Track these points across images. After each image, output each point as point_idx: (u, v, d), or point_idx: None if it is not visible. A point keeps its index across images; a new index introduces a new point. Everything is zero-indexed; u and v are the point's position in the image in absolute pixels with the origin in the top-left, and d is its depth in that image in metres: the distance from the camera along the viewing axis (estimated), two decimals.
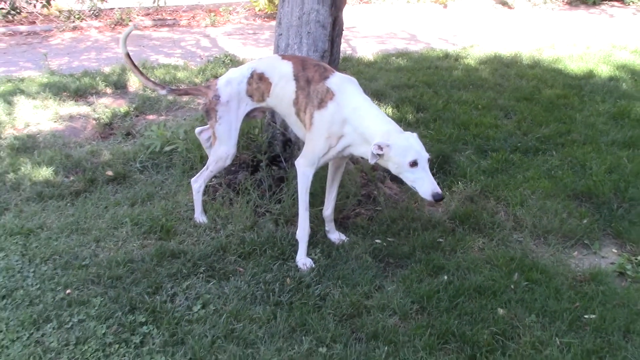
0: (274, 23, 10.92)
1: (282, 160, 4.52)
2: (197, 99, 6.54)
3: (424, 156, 3.32)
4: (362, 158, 4.59)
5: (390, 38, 9.85)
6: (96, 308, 3.36)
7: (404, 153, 3.29)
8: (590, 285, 3.65)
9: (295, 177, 3.85)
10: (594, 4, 12.48)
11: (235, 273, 3.70)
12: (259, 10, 11.08)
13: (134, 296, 3.45)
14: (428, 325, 3.26)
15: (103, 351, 3.07)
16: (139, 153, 5.19)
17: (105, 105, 6.59)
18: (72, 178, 4.89)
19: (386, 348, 3.10)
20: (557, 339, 3.19)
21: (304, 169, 3.72)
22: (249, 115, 4.02)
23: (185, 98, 6.76)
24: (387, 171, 4.76)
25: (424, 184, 3.30)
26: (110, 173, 4.91)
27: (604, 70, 7.81)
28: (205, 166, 4.10)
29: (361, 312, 3.36)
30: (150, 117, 6.37)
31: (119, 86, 7.24)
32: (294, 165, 3.84)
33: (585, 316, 3.37)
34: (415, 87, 7.00)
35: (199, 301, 3.45)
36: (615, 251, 4.13)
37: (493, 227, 4.26)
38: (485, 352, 3.09)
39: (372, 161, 3.38)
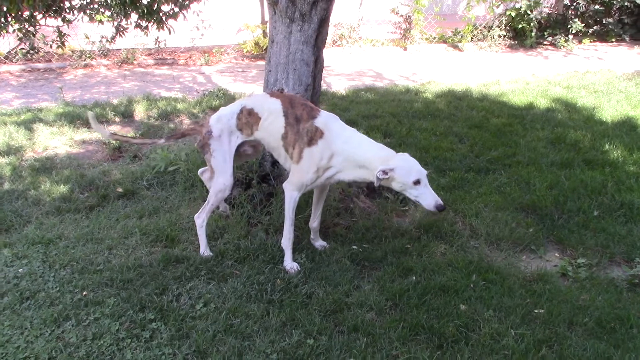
0: (260, 62, 11.00)
1: (271, 178, 4.48)
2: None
3: (424, 173, 3.36)
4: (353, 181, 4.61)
5: (360, 76, 9.88)
6: (110, 307, 3.29)
7: (408, 174, 3.31)
8: (538, 285, 3.66)
9: (283, 192, 3.82)
10: (531, 47, 12.64)
11: (232, 275, 3.65)
12: (247, 52, 11.06)
13: (143, 297, 3.38)
14: (401, 319, 3.23)
15: (117, 345, 3.01)
16: (146, 173, 5.12)
17: (115, 132, 6.50)
18: (86, 194, 4.81)
19: (365, 339, 3.07)
20: (512, 330, 3.17)
21: (290, 192, 3.70)
22: (241, 152, 3.93)
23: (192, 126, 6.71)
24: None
25: (427, 198, 3.33)
26: (120, 190, 4.84)
27: (542, 103, 7.89)
28: (207, 201, 3.93)
29: (342, 308, 3.33)
30: None
31: (126, 115, 7.16)
32: (282, 184, 3.81)
33: (535, 311, 3.37)
34: (382, 117, 7.02)
35: (201, 300, 3.39)
36: (558, 255, 4.14)
37: (453, 235, 4.26)
38: (451, 342, 3.07)
39: (377, 184, 3.36)
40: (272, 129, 3.69)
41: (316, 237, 4.06)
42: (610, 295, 3.58)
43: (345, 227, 4.33)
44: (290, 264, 3.76)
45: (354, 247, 4.04)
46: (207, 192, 4.55)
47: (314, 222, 4.00)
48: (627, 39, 13.50)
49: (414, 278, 3.64)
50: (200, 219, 3.92)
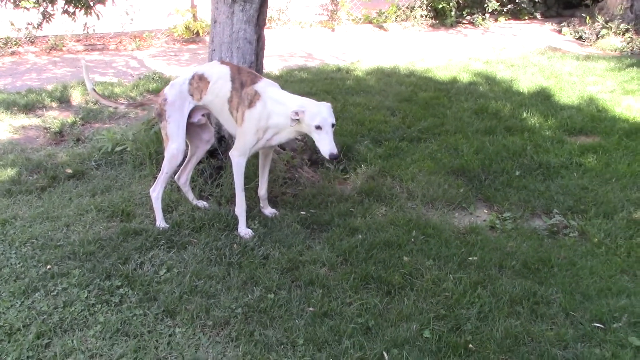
0: (192, 46, 11.02)
1: (220, 153, 4.66)
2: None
3: (328, 122, 3.55)
4: (285, 147, 4.83)
5: (291, 57, 10.06)
6: (76, 278, 3.42)
7: (312, 117, 3.52)
8: (470, 236, 4.03)
9: (231, 166, 4.02)
10: (452, 26, 13.15)
11: (191, 243, 3.83)
12: (178, 36, 11.00)
13: (107, 266, 3.53)
14: (351, 272, 3.52)
15: (88, 310, 3.16)
16: (93, 154, 5.18)
17: (54, 117, 6.47)
18: (35, 176, 4.84)
19: (321, 291, 3.34)
20: (450, 275, 3.52)
21: (237, 159, 3.90)
22: (195, 123, 4.07)
23: (114, 108, 6.75)
24: (304, 159, 5.06)
25: (324, 144, 3.52)
26: (69, 171, 4.89)
27: (464, 77, 8.33)
28: (160, 171, 4.05)
29: (297, 266, 3.58)
30: (96, 125, 6.32)
31: (63, 100, 7.10)
32: (229, 157, 4.00)
33: (469, 258, 3.73)
34: (317, 95, 7.23)
35: (163, 267, 3.56)
36: (486, 211, 4.53)
37: (392, 198, 4.58)
38: (398, 288, 3.39)
39: (291, 125, 3.63)
40: (219, 92, 3.87)
41: (265, 205, 4.28)
42: (533, 242, 3.99)
43: (293, 195, 4.57)
44: (244, 230, 3.97)
45: (302, 212, 4.29)
46: (158, 170, 4.73)
47: (262, 190, 4.23)
48: (539, 16, 14.22)
49: (360, 236, 3.93)
50: (156, 192, 4.06)
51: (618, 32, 11.45)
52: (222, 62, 4.03)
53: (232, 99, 3.85)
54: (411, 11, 13.18)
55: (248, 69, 4.08)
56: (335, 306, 3.21)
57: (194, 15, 11.25)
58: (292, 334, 3.00)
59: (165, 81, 7.88)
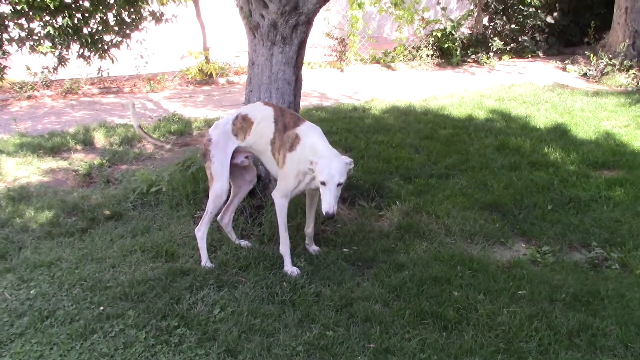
0: (205, 88, 11.17)
1: (258, 192, 4.70)
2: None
3: (334, 180, 3.47)
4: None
5: (306, 96, 10.16)
6: (132, 319, 3.41)
7: (320, 171, 3.51)
8: (515, 270, 4.05)
9: (272, 204, 4.06)
10: (458, 64, 13.38)
11: (240, 282, 3.84)
12: (191, 78, 11.18)
13: (161, 307, 3.53)
14: (405, 307, 3.53)
15: (149, 351, 3.16)
16: (128, 195, 5.22)
17: (80, 159, 6.53)
18: (73, 218, 4.87)
19: (378, 327, 3.35)
20: (504, 309, 3.53)
21: (279, 200, 3.93)
22: (238, 163, 4.10)
23: (156, 150, 6.84)
24: (340, 197, 5.10)
25: (325, 200, 3.49)
26: (107, 212, 4.92)
27: (480, 114, 8.45)
28: (205, 211, 4.08)
29: (351, 302, 3.59)
30: (123, 166, 6.38)
31: (87, 143, 7.17)
32: (270, 196, 4.06)
33: (519, 292, 3.75)
34: (338, 133, 7.34)
35: (216, 306, 3.56)
36: (524, 245, 4.57)
37: (430, 234, 4.61)
38: (454, 323, 3.40)
39: (309, 173, 3.66)
40: (262, 133, 3.90)
41: (310, 242, 4.31)
42: (578, 275, 4.02)
43: (333, 232, 4.60)
44: (290, 268, 3.98)
45: (345, 249, 4.32)
46: (196, 210, 4.77)
47: (308, 228, 4.24)
48: (541, 54, 14.50)
49: (407, 272, 3.95)
50: (201, 232, 4.09)
51: (622, 68, 11.68)
52: (265, 104, 4.09)
53: (274, 141, 3.88)
54: (417, 51, 13.43)
55: (291, 111, 4.15)
56: (395, 342, 3.22)
57: (206, 58, 11.44)
58: None
59: (185, 122, 7.99)
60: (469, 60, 13.75)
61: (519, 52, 14.47)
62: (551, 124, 7.88)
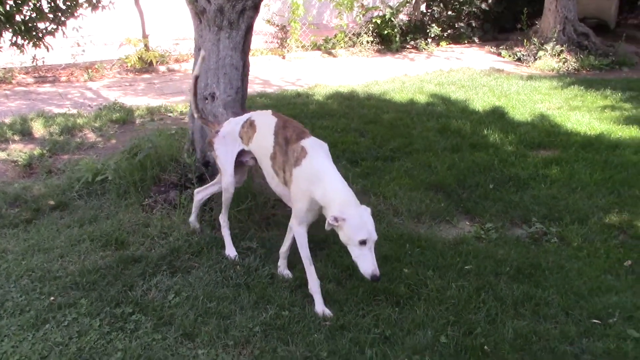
0: (145, 76, 10.94)
1: (207, 177, 4.67)
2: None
3: (373, 238, 3.10)
4: None
5: (250, 83, 10.11)
6: (85, 307, 3.38)
7: (356, 231, 3.07)
8: (462, 247, 4.19)
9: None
10: (397, 50, 13.55)
11: (193, 267, 3.84)
12: (131, 66, 10.92)
13: (114, 294, 3.50)
14: (358, 286, 3.61)
15: (104, 339, 3.14)
16: (72, 184, 5.08)
17: (19, 150, 6.32)
18: (16, 209, 4.72)
19: (334, 305, 3.42)
20: (452, 284, 3.66)
21: (296, 228, 3.51)
22: (244, 162, 3.96)
23: (98, 139, 6.71)
24: None
25: (366, 262, 3.07)
26: (52, 202, 4.80)
27: (421, 98, 8.62)
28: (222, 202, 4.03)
29: (305, 283, 3.62)
30: (64, 156, 6.20)
31: (25, 133, 6.92)
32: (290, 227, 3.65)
33: (466, 267, 3.89)
34: None
35: (171, 291, 3.56)
36: (469, 223, 4.72)
37: (379, 214, 4.69)
38: (406, 299, 3.51)
39: (327, 228, 3.17)
40: (262, 144, 3.67)
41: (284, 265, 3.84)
42: (520, 249, 4.20)
43: (283, 216, 4.62)
44: (321, 307, 3.41)
45: None
46: (145, 197, 4.71)
47: (284, 247, 3.81)
48: (477, 40, 14.85)
49: None
50: (223, 220, 4.08)
51: (553, 53, 12.09)
52: (274, 114, 3.79)
53: (275, 156, 3.56)
54: (357, 38, 13.52)
55: (296, 123, 3.71)
56: (350, 319, 3.30)
57: (146, 46, 11.20)
58: (314, 348, 3.06)
59: (127, 111, 7.83)
60: (408, 46, 13.94)
61: (456, 39, 14.78)
62: (489, 107, 8.12)
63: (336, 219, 3.10)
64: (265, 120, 3.71)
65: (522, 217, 4.76)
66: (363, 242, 3.07)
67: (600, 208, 4.89)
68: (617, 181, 5.40)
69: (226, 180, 3.91)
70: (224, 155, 3.89)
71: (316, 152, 3.39)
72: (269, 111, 3.86)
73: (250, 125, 3.80)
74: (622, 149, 6.30)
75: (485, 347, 3.08)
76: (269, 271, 3.78)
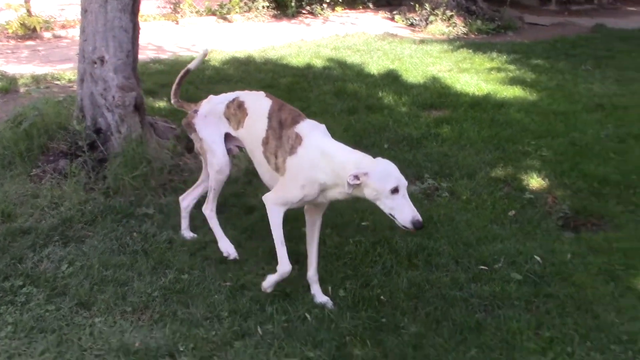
0: (29, 43, 10.29)
1: (99, 145, 4.51)
2: None
3: (403, 183, 2.88)
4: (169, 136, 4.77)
5: (141, 50, 9.60)
6: None
7: (384, 180, 2.83)
8: (358, 204, 4.26)
9: (118, 157, 3.91)
10: (293, 16, 13.49)
11: (87, 236, 3.72)
12: (12, 32, 10.23)
13: (2, 268, 3.34)
14: (258, 247, 3.69)
15: None
16: None
17: None
18: None
19: (233, 266, 3.47)
20: (350, 240, 3.78)
21: (272, 205, 3.21)
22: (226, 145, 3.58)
23: None
24: (187, 148, 5.02)
25: (404, 211, 2.84)
26: None
27: (317, 63, 8.65)
28: (209, 189, 3.67)
29: (204, 246, 3.66)
30: None
31: None
32: (262, 200, 3.33)
33: (363, 223, 4.03)
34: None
35: (64, 262, 3.45)
36: None
37: None
38: (305, 256, 3.54)
39: (349, 191, 2.87)
40: (254, 129, 3.34)
41: (317, 291, 3.32)
42: (414, 204, 4.32)
43: (181, 181, 4.55)
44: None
45: None
46: (31, 167, 4.49)
47: (311, 270, 3.36)
48: (371, 5, 15.05)
49: (257, 214, 4.04)
50: (208, 210, 3.67)
51: (444, 18, 12.46)
52: (267, 95, 3.49)
53: (267, 141, 3.25)
54: (253, 3, 13.33)
55: (291, 106, 3.44)
56: (250, 278, 3.34)
57: (28, 11, 10.51)
58: (215, 309, 3.08)
59: (10, 80, 7.35)
60: (304, 12, 13.91)
61: (351, 4, 14.89)
62: (384, 70, 8.29)
63: (356, 177, 2.82)
64: (258, 103, 3.41)
65: (416, 174, 4.94)
66: (395, 190, 2.82)
67: (487, 163, 5.16)
68: (502, 138, 5.71)
69: (218, 161, 3.50)
70: (210, 135, 3.52)
71: (312, 135, 3.17)
72: (262, 93, 3.55)
73: (239, 107, 3.45)
74: (506, 108, 6.66)
75: (382, 297, 3.22)
76: (167, 236, 3.74)
